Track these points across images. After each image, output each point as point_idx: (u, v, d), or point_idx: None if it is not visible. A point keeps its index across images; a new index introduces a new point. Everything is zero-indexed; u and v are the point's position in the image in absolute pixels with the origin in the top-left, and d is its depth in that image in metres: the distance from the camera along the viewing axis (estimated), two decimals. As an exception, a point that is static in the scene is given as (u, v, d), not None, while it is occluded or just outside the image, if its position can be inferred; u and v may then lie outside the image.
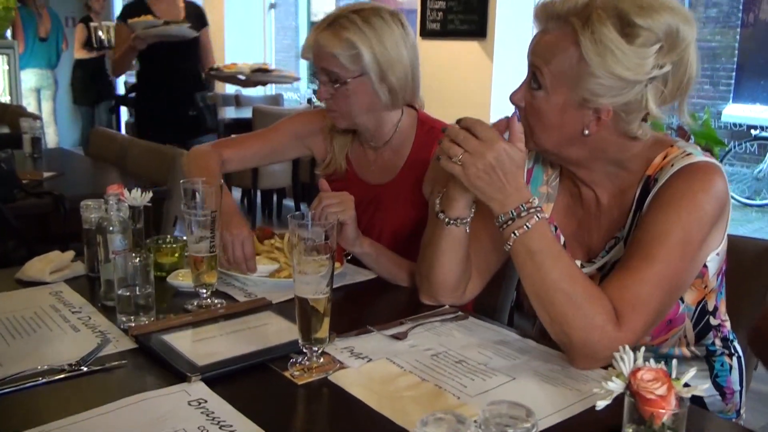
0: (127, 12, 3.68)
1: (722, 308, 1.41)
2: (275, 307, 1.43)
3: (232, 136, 2.07)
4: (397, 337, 1.32)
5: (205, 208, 1.39)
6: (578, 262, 1.40)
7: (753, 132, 6.67)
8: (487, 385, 1.14)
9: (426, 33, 5.30)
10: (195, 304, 1.44)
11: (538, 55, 1.26)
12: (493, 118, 4.62)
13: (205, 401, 1.05)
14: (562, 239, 1.43)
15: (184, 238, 1.66)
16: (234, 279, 1.59)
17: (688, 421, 0.84)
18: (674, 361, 0.87)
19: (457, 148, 1.22)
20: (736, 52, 6.47)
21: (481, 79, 5.14)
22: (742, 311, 1.49)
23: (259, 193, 5.83)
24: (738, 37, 6.33)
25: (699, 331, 1.38)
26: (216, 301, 1.45)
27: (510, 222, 1.22)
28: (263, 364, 1.19)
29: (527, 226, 1.20)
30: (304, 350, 1.18)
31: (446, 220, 1.36)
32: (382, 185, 1.79)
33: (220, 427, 0.98)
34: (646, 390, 0.81)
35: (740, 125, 6.52)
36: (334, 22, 1.64)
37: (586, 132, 1.25)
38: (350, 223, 1.53)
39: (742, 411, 1.46)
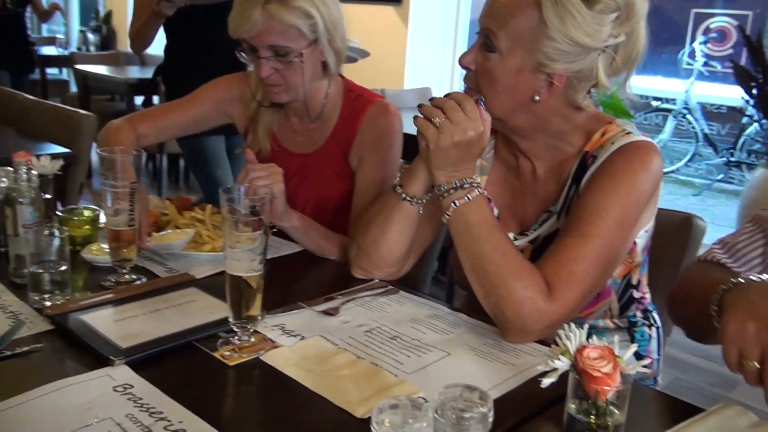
0: None
1: (644, 281, 1.45)
2: (199, 283, 1.37)
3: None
4: (329, 312, 1.29)
5: (124, 179, 1.30)
6: (511, 235, 1.40)
7: (654, 103, 6.95)
8: (423, 361, 1.13)
9: (342, -4, 5.21)
10: (113, 280, 1.36)
11: (494, 17, 1.23)
12: (407, 84, 4.58)
13: (131, 386, 0.99)
14: (496, 211, 1.43)
15: (93, 206, 1.58)
16: (153, 253, 1.51)
17: (632, 396, 0.86)
18: (616, 337, 0.88)
19: (440, 113, 1.21)
20: (641, 25, 6.66)
21: (396, 45, 5.11)
22: (658, 282, 1.54)
23: (165, 158, 5.63)
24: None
25: (623, 304, 1.41)
26: (135, 277, 1.38)
27: (452, 191, 1.23)
28: (191, 344, 1.13)
29: (468, 198, 1.22)
30: (235, 329, 1.13)
31: (403, 195, 1.35)
32: (308, 155, 1.75)
33: (149, 414, 0.92)
34: (592, 368, 0.81)
35: (644, 97, 6.77)
36: None
37: (537, 98, 1.24)
38: (279, 196, 1.47)
39: (658, 378, 1.51)
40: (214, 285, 1.35)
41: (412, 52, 5.08)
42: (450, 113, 1.21)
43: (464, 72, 1.31)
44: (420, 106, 1.26)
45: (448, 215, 1.24)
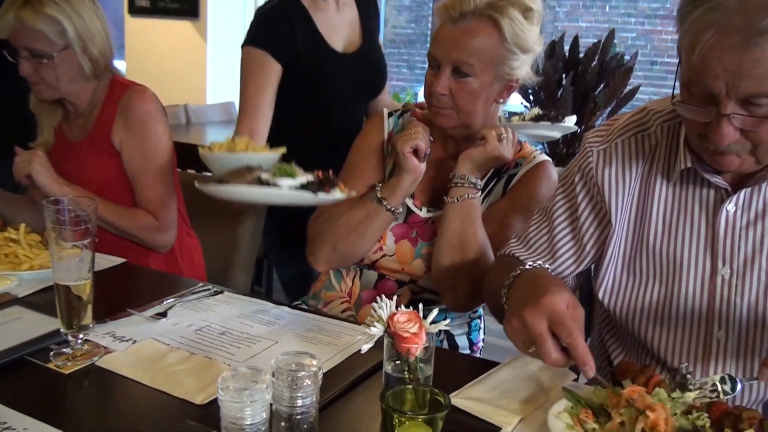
0: (266, 34, 1.99)
1: None
2: (22, 301, 1.37)
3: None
4: (157, 316, 1.34)
5: None
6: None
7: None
8: (252, 351, 1.22)
9: (134, 10, 5.13)
10: (-75, 306, 1.32)
11: (461, 48, 1.46)
12: (210, 98, 4.51)
13: (-33, 402, 1.00)
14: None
15: None
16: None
17: (445, 360, 1.01)
18: (420, 305, 1.03)
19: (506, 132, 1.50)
20: (428, 38, 7.14)
21: (196, 60, 5.10)
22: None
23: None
24: (429, 25, 6.99)
25: None
26: (-50, 300, 1.35)
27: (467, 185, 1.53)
28: (23, 359, 1.15)
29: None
30: (68, 339, 1.16)
31: (388, 206, 1.55)
32: (81, 141, 1.91)
33: (-8, 425, 0.95)
34: (402, 330, 0.96)
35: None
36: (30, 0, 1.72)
37: (501, 101, 1.56)
38: (36, 173, 1.71)
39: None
40: (37, 302, 1.36)
41: (213, 66, 5.10)
42: (509, 136, 1.49)
43: None
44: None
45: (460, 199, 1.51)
